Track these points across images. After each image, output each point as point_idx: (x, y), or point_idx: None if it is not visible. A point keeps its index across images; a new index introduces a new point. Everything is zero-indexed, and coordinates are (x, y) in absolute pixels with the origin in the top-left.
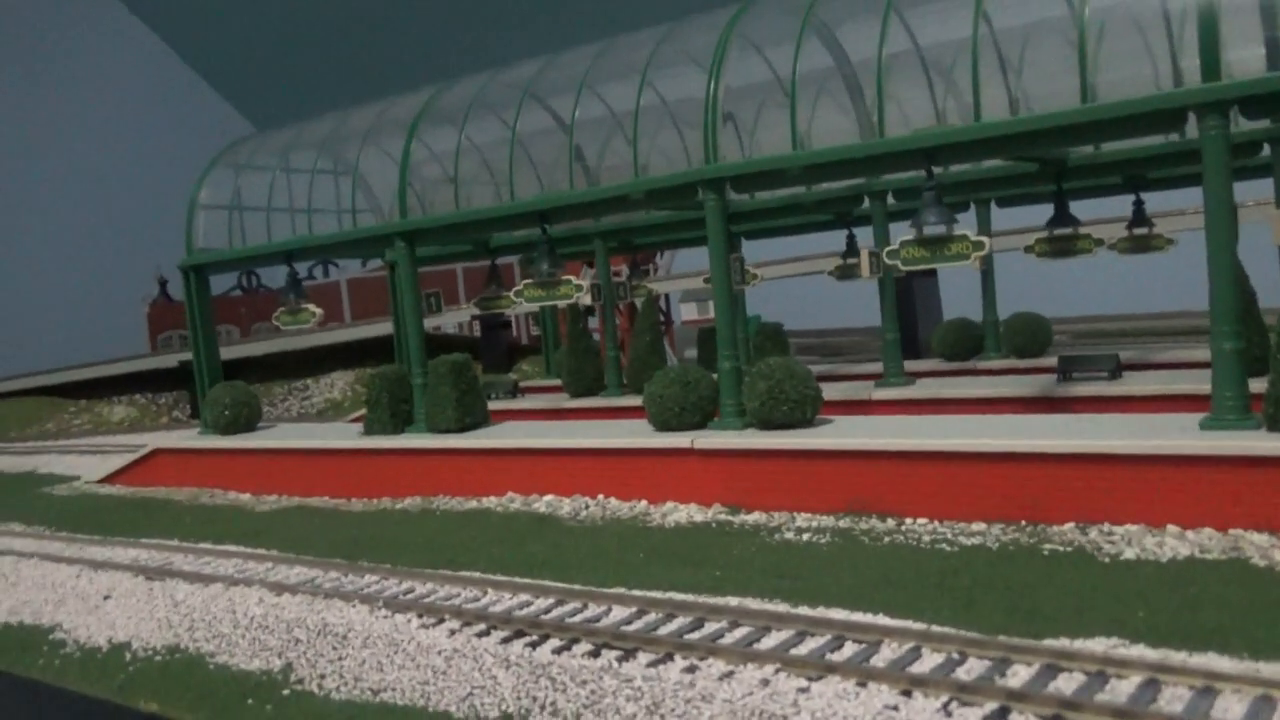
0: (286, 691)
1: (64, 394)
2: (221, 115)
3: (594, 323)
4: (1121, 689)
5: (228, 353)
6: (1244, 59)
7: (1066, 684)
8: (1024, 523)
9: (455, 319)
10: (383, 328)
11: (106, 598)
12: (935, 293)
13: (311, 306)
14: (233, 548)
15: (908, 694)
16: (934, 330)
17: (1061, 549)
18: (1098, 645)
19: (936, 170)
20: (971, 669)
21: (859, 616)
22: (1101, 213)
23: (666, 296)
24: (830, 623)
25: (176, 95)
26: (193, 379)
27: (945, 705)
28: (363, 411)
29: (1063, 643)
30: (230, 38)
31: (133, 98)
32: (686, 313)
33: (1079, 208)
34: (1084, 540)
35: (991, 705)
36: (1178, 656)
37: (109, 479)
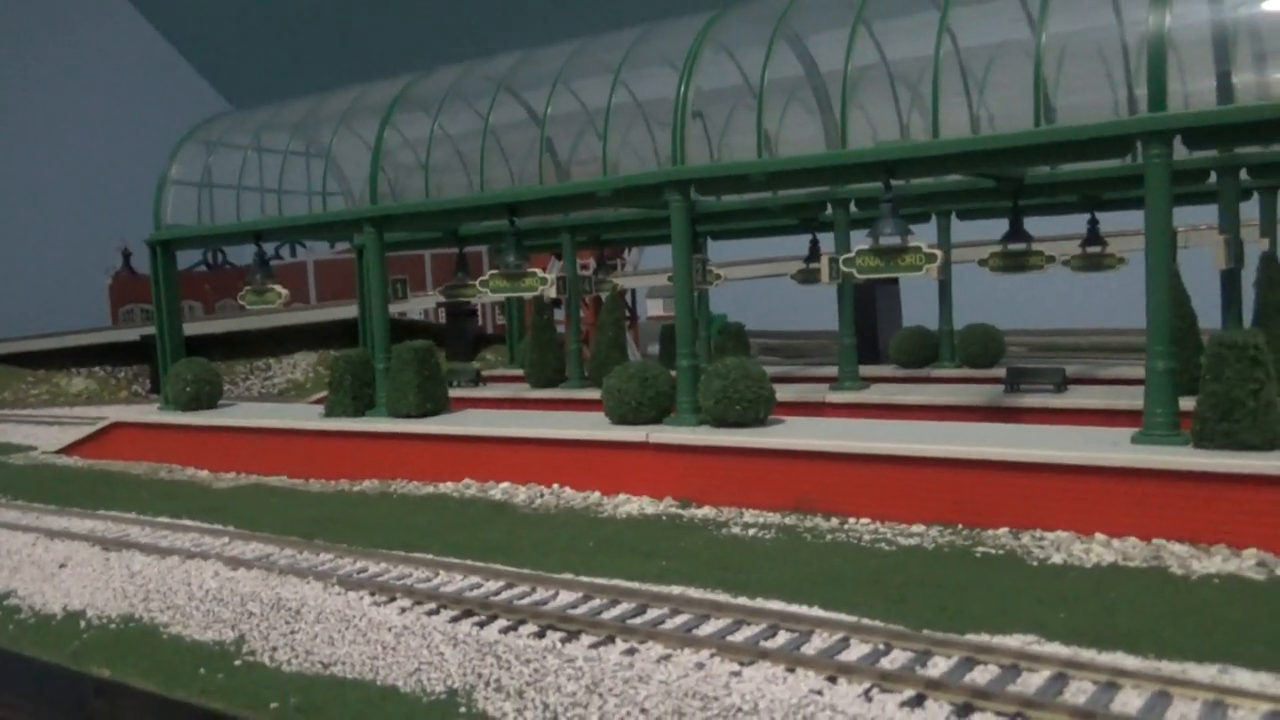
0: (238, 662)
1: (22, 363)
2: (197, 91)
3: (559, 315)
4: (1032, 681)
5: (191, 329)
6: (1199, 91)
7: (981, 675)
8: (961, 526)
9: (421, 305)
10: (348, 310)
11: (62, 566)
12: (896, 300)
13: (278, 287)
14: (190, 522)
15: (833, 680)
16: (893, 337)
17: (994, 552)
18: (1014, 641)
19: (898, 182)
20: (895, 659)
21: (795, 608)
22: (1059, 230)
23: (633, 292)
24: (767, 613)
25: (152, 68)
26: (154, 353)
27: (867, 691)
28: (324, 393)
29: (983, 638)
30: (212, 14)
31: (107, 68)
32: (652, 309)
33: (1037, 224)
34: (1016, 545)
35: (910, 692)
36: (1087, 654)
37: (66, 450)
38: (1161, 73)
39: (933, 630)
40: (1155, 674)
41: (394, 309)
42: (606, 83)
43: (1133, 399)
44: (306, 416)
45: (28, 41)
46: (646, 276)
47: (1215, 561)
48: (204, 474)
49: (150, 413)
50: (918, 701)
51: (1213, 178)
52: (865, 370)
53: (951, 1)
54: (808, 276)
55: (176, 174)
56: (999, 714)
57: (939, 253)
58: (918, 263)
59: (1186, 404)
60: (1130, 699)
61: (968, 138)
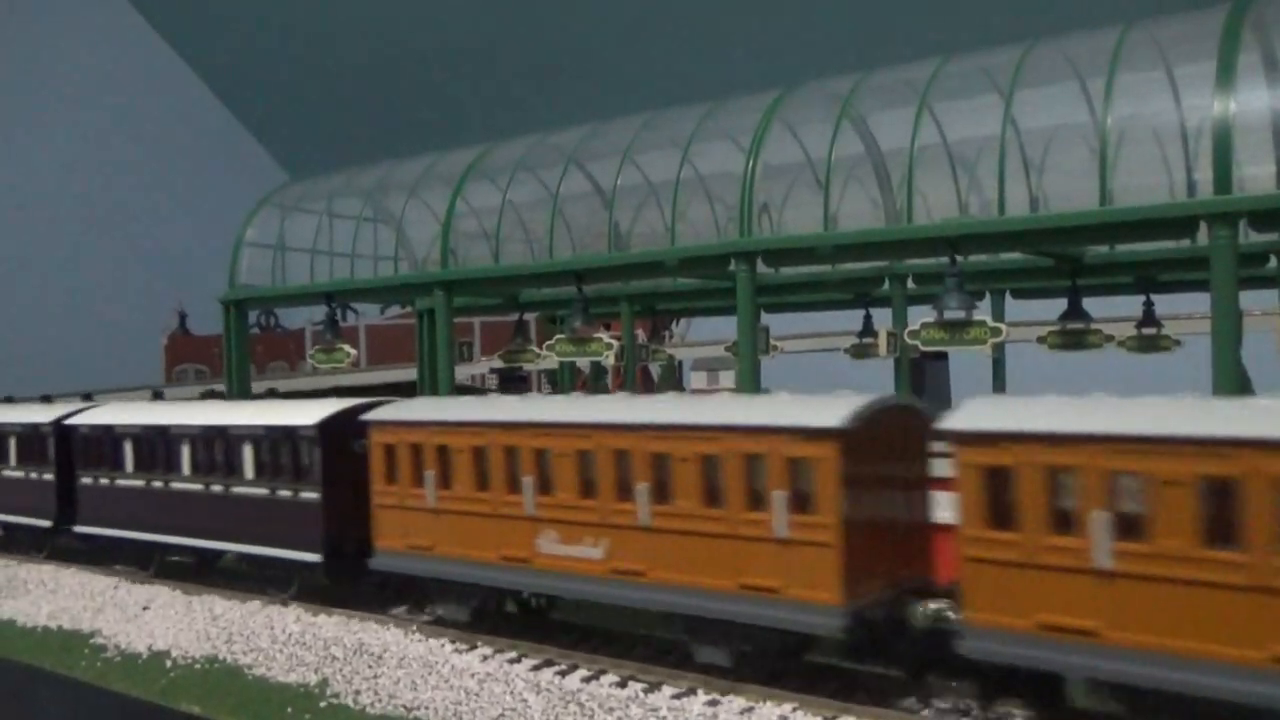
0: (324, 703)
1: None
2: (251, 156)
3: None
4: None
5: None
6: (1256, 175)
7: None
8: None
9: (469, 371)
10: (396, 374)
11: (145, 608)
12: (945, 377)
13: (346, 346)
14: None
15: None
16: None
17: None
18: None
19: (958, 259)
20: None
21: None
22: (1112, 313)
23: (679, 363)
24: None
25: (209, 133)
26: None
27: None
28: None
29: None
30: (269, 81)
31: (167, 133)
32: (696, 381)
33: (1091, 306)
34: None
35: None
36: None
37: None
38: (1227, 156)
39: None
40: None
41: None
42: (670, 156)
43: None
44: None
45: (87, 104)
46: (695, 348)
47: None
48: None
49: None
50: None
51: (1272, 262)
52: None
53: (1015, 86)
54: (861, 351)
55: (252, 236)
56: None
57: (1003, 327)
58: (982, 336)
59: None
60: None
61: (1032, 215)
